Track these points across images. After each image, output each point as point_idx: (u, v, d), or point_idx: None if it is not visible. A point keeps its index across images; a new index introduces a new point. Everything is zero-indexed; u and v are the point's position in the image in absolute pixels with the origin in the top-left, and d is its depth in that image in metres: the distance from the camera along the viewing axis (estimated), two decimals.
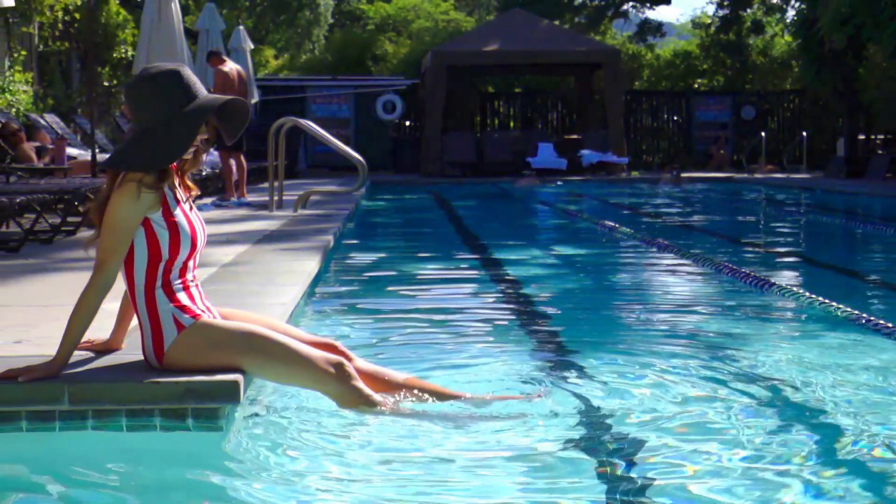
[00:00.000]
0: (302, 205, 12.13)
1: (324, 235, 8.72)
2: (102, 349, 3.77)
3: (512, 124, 29.71)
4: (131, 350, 3.76)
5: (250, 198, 13.30)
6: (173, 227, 3.52)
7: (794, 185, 21.04)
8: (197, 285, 3.65)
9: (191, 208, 3.65)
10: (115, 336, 3.80)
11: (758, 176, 24.39)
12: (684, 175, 23.61)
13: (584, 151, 24.76)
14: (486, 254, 9.67)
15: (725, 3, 31.62)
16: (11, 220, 8.27)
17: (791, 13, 30.66)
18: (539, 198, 18.93)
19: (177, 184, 3.61)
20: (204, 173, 13.34)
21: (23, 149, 11.41)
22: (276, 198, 12.13)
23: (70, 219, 8.63)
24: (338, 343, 3.79)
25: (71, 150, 11.99)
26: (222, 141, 13.76)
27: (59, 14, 16.07)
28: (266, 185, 16.99)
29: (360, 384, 3.61)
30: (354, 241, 10.59)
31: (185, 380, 3.39)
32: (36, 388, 3.33)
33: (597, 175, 24.42)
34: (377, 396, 3.65)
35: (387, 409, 3.65)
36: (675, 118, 29.86)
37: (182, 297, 3.56)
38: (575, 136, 26.17)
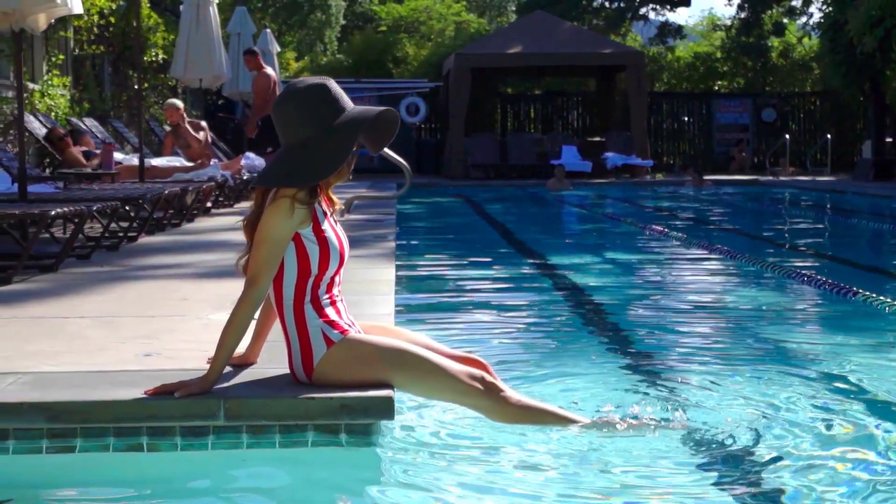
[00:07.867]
0: (347, 209, 12.11)
1: (386, 242, 8.69)
2: (239, 363, 3.74)
3: (532, 126, 29.68)
4: (270, 364, 3.73)
5: None
6: (323, 242, 3.50)
7: (822, 188, 20.94)
8: (342, 299, 3.63)
9: (336, 222, 3.62)
10: (251, 349, 3.77)
11: (782, 178, 24.33)
12: (709, 178, 23.51)
13: (609, 154, 24.73)
14: (542, 259, 9.65)
15: (745, 5, 31.55)
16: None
17: (817, 15, 30.58)
18: (573, 201, 18.86)
19: (320, 197, 3.59)
20: (246, 177, 13.33)
21: (71, 153, 11.39)
22: None
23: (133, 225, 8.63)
24: (479, 357, 3.75)
25: (116, 155, 11.97)
26: (271, 144, 13.70)
27: (95, 18, 16.05)
28: None
29: (507, 395, 3.58)
30: (403, 243, 10.56)
31: (339, 395, 3.37)
32: (192, 403, 3.32)
33: (621, 178, 24.39)
34: (526, 408, 3.61)
35: (537, 421, 3.61)
36: (695, 120, 29.81)
37: (330, 311, 3.53)
38: (598, 139, 26.13)
